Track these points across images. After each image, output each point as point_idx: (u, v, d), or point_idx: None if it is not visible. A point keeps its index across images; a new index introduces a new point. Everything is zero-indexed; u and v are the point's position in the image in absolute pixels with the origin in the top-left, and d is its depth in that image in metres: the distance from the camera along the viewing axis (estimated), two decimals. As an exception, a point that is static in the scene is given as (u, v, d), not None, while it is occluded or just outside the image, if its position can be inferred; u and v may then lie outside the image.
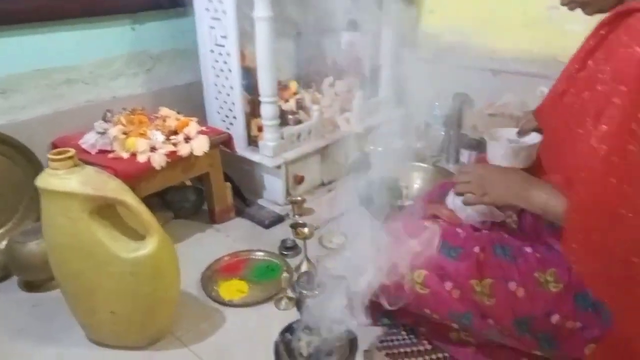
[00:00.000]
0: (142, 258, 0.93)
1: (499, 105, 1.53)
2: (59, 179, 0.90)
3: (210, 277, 1.22)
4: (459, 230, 0.90)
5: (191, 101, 1.60)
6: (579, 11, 0.82)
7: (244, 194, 1.54)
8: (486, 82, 1.65)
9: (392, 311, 0.95)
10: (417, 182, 1.54)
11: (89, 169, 0.95)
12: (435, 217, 1.04)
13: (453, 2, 1.70)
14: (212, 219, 1.47)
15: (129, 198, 0.93)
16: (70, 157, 0.91)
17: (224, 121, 1.55)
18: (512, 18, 1.57)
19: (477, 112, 1.57)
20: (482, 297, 0.82)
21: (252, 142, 1.53)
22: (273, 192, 1.52)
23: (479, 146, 1.61)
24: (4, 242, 1.29)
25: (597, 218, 0.70)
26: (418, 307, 0.89)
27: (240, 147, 1.50)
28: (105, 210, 0.94)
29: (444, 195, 1.12)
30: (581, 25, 0.83)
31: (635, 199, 0.67)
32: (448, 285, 0.84)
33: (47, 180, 0.90)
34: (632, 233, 0.68)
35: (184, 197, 1.49)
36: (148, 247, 0.94)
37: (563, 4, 0.82)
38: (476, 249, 0.84)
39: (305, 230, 1.23)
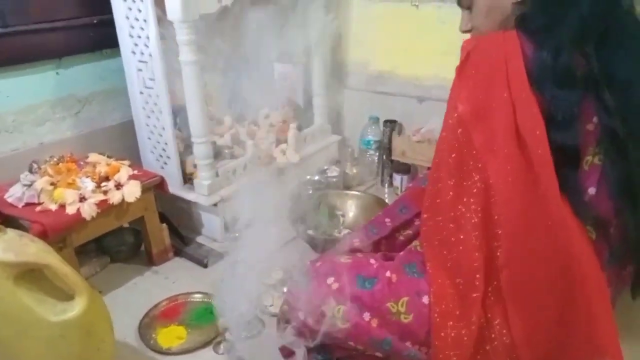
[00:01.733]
0: (71, 320, 0.93)
1: (425, 132, 1.60)
2: (-23, 248, 0.88)
3: (149, 325, 1.22)
4: (372, 261, 0.96)
5: (124, 141, 1.59)
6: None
7: (182, 232, 1.54)
8: (413, 109, 1.73)
9: (325, 346, 0.99)
10: (352, 209, 1.59)
11: (11, 234, 0.93)
12: (353, 251, 1.09)
13: (377, 32, 1.77)
14: (151, 260, 1.46)
15: (53, 260, 0.92)
16: (-11, 224, 0.90)
17: (157, 160, 1.55)
18: (432, 47, 1.65)
19: (405, 138, 1.64)
20: (399, 316, 0.88)
21: (188, 180, 1.54)
22: (211, 229, 1.53)
23: (410, 171, 1.69)
24: None
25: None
26: (342, 340, 0.94)
27: (175, 186, 1.51)
28: (30, 274, 0.93)
29: (372, 230, 1.17)
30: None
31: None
32: (366, 315, 0.90)
33: (-35, 249, 0.89)
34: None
35: (120, 240, 1.48)
36: (76, 308, 0.93)
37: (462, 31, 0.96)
38: (387, 274, 0.90)
39: (243, 270, 1.24)
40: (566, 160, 0.76)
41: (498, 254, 0.79)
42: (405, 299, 0.88)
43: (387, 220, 1.13)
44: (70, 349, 0.94)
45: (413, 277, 0.89)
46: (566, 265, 0.77)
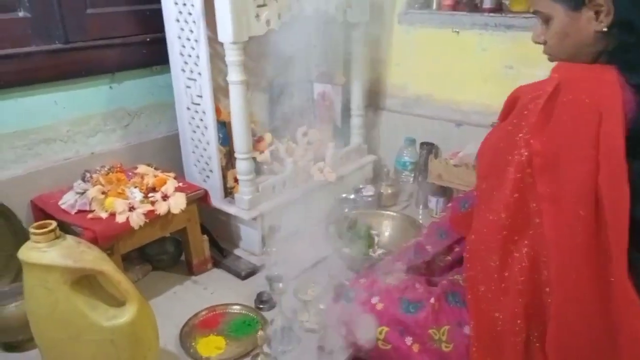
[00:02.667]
0: (121, 325, 0.97)
1: (462, 156, 1.62)
2: (40, 252, 0.93)
3: (189, 333, 1.25)
4: (417, 285, 0.98)
5: (168, 153, 1.66)
6: (532, 70, 0.90)
7: (220, 244, 1.58)
8: (450, 132, 1.74)
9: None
10: (387, 230, 1.60)
11: (69, 240, 0.98)
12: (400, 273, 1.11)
13: (416, 56, 1.80)
14: (190, 270, 1.50)
15: (108, 268, 0.97)
16: (52, 230, 0.95)
17: (200, 173, 1.60)
18: (471, 73, 1.67)
19: (442, 161, 1.66)
20: (440, 344, 0.89)
21: (229, 193, 1.58)
22: (249, 242, 1.57)
23: (445, 193, 1.70)
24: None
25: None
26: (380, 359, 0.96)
27: (217, 199, 1.55)
28: (85, 280, 0.98)
29: (414, 254, 1.19)
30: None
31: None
32: (408, 340, 0.92)
33: (29, 253, 0.94)
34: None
35: (162, 249, 1.53)
36: (126, 314, 0.98)
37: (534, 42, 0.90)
38: (432, 300, 0.92)
39: (280, 285, 1.27)
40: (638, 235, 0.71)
41: (550, 300, 0.76)
42: (447, 327, 0.89)
43: (428, 246, 1.15)
44: (120, 355, 0.98)
45: (455, 307, 0.90)
46: (615, 332, 0.74)
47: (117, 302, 1.01)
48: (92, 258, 0.97)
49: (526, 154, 0.74)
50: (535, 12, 0.86)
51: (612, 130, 0.69)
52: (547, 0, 0.81)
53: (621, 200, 0.69)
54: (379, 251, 1.55)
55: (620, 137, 0.68)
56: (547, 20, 0.84)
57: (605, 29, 0.77)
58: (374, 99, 1.93)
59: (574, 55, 0.82)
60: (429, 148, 1.76)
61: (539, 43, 0.88)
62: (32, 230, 0.94)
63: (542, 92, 0.74)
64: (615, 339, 0.74)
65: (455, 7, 1.71)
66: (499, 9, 1.64)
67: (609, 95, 0.70)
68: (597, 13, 0.77)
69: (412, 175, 1.84)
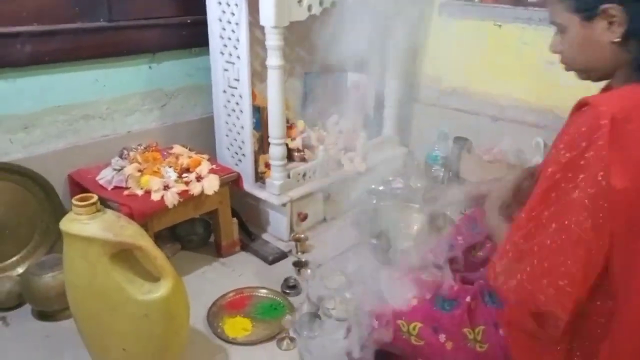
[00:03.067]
0: (156, 300, 0.99)
1: (497, 152, 1.59)
2: (81, 224, 0.96)
3: (216, 314, 1.27)
4: (452, 282, 0.97)
5: (203, 135, 1.68)
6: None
7: (249, 228, 1.60)
8: (485, 127, 1.72)
9: (392, 357, 1.01)
10: (416, 222, 1.59)
11: (110, 214, 1.01)
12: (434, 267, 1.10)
13: (454, 48, 1.77)
14: (219, 252, 1.53)
15: (146, 243, 0.99)
16: (93, 204, 0.97)
17: (233, 157, 1.61)
18: (511, 67, 1.64)
19: (476, 157, 1.64)
20: (475, 344, 0.88)
21: (260, 178, 1.60)
22: (277, 228, 1.58)
23: (476, 189, 1.67)
24: (19, 270, 1.35)
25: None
26: (413, 356, 0.95)
27: (248, 183, 1.57)
28: (122, 254, 1.00)
29: (447, 246, 1.18)
30: (576, 82, 0.88)
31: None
32: (442, 337, 0.90)
33: (70, 224, 0.96)
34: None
35: (192, 230, 1.55)
36: (161, 289, 0.99)
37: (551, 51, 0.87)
38: (468, 299, 0.91)
39: (308, 271, 1.28)
40: None
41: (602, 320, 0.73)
42: (482, 327, 0.87)
43: (459, 238, 1.14)
44: (153, 329, 1.00)
45: (492, 307, 0.88)
46: None
47: (152, 278, 1.03)
48: (131, 233, 0.99)
49: (593, 192, 0.69)
50: (552, 22, 0.85)
51: None
52: (562, 10, 0.81)
53: None
54: (406, 244, 1.54)
55: None
56: (563, 30, 0.83)
57: (618, 39, 0.75)
58: (408, 90, 1.91)
59: (590, 66, 0.82)
60: (462, 143, 1.73)
61: (555, 52, 0.87)
62: (74, 202, 0.96)
63: (595, 132, 0.69)
64: None
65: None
66: (543, 3, 1.60)
67: None
68: (610, 23, 0.75)
69: (443, 169, 1.82)
